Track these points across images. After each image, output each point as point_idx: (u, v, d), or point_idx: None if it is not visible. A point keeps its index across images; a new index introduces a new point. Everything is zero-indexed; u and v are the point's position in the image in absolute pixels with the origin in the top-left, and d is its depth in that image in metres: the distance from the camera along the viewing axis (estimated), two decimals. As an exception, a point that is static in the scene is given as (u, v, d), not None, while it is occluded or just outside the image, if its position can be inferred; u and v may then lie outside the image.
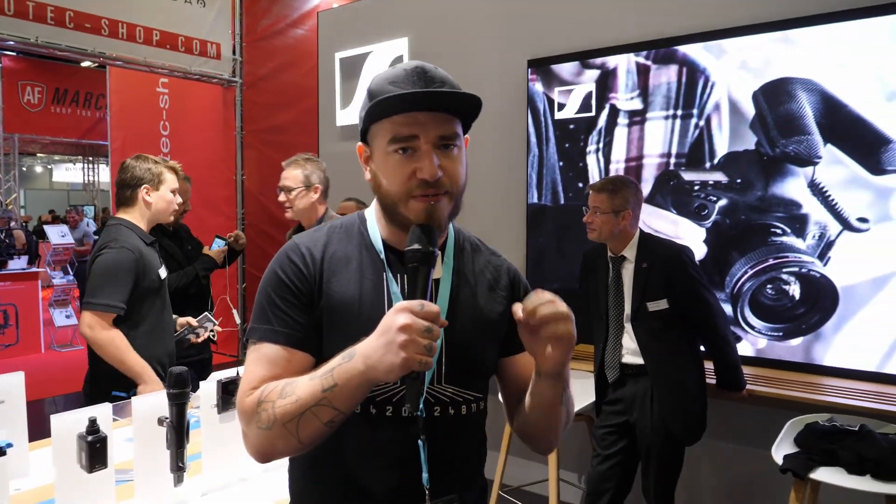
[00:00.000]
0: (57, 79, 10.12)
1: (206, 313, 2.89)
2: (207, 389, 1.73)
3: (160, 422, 1.50)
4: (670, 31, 3.36)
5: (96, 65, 6.94)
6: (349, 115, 4.72)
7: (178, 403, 1.45)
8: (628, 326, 2.75)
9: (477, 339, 1.13)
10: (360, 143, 1.13)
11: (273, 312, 1.08)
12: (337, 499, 1.11)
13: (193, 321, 2.83)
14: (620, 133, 3.57)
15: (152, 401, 1.55)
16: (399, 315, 0.90)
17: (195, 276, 3.43)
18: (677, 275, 2.68)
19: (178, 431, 1.45)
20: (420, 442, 1.06)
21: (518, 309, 1.00)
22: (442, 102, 1.02)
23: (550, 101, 3.79)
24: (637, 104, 3.50)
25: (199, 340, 2.84)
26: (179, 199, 2.66)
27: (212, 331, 2.87)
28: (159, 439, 1.51)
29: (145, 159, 2.56)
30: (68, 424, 1.45)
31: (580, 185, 3.72)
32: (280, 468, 1.56)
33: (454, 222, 1.17)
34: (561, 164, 3.80)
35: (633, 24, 3.47)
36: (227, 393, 1.72)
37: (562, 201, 3.81)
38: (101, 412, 1.48)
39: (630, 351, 2.76)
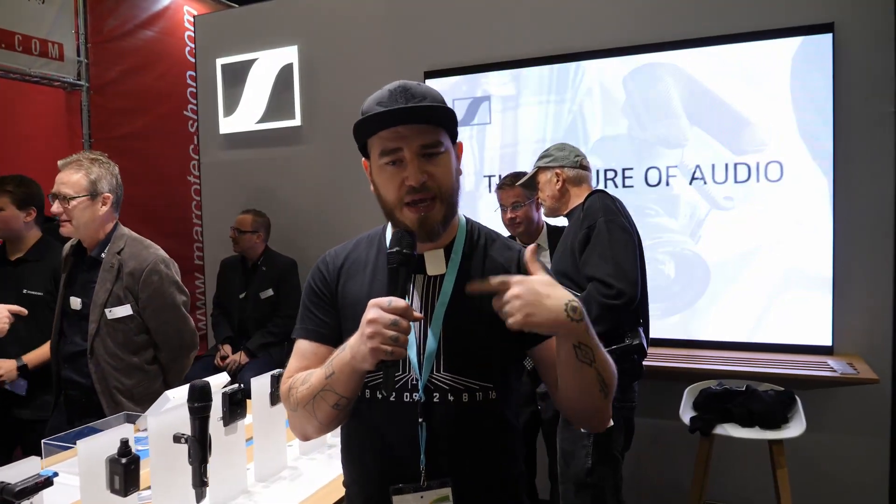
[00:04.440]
0: None
1: None
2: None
3: (176, 439, 1.49)
4: (549, 48, 3.37)
5: None
6: (234, 122, 4.38)
7: (201, 417, 1.44)
8: None
9: (478, 331, 1.17)
10: (363, 159, 1.24)
11: (304, 314, 1.28)
12: (359, 475, 1.25)
13: None
14: (494, 119, 3.53)
15: (167, 419, 1.56)
16: (369, 310, 1.03)
17: None
18: None
19: (202, 445, 1.44)
20: (419, 426, 1.15)
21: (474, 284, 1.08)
22: (419, 115, 1.12)
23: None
24: (511, 90, 3.48)
25: None
26: None
27: None
28: (174, 456, 1.52)
29: None
30: (94, 448, 1.45)
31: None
32: (280, 480, 1.85)
33: (470, 220, 1.28)
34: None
35: (524, 39, 3.43)
36: (234, 404, 1.70)
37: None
38: (128, 433, 1.48)
39: None
